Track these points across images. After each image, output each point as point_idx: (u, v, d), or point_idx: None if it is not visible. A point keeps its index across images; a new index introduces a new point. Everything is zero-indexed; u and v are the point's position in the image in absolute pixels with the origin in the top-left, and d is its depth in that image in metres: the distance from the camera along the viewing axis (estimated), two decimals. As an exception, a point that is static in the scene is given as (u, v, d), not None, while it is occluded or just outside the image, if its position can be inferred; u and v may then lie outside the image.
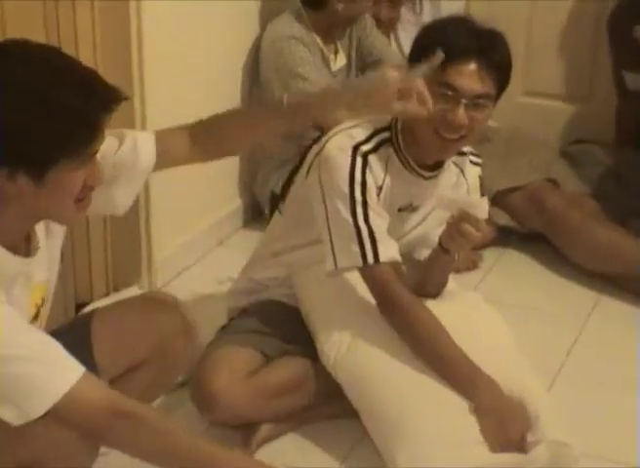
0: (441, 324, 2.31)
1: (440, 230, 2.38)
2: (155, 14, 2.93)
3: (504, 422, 2.24)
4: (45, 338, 1.77)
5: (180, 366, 2.23)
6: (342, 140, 2.33)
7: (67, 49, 2.65)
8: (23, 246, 1.84)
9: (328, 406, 2.46)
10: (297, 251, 2.50)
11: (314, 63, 3.40)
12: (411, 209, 2.44)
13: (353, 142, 2.32)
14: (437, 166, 2.41)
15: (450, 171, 2.46)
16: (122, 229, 2.99)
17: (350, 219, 2.30)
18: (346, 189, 2.29)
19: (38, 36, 2.56)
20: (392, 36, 3.85)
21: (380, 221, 2.31)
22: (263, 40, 3.43)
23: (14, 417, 1.70)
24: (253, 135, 2.14)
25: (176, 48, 3.09)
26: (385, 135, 2.35)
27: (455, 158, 2.46)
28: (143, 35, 2.90)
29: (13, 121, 1.63)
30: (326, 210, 2.33)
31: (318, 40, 3.46)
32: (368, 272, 2.33)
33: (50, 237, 1.93)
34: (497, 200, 3.41)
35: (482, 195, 2.53)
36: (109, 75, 2.77)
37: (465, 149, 2.48)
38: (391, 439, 2.26)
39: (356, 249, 2.30)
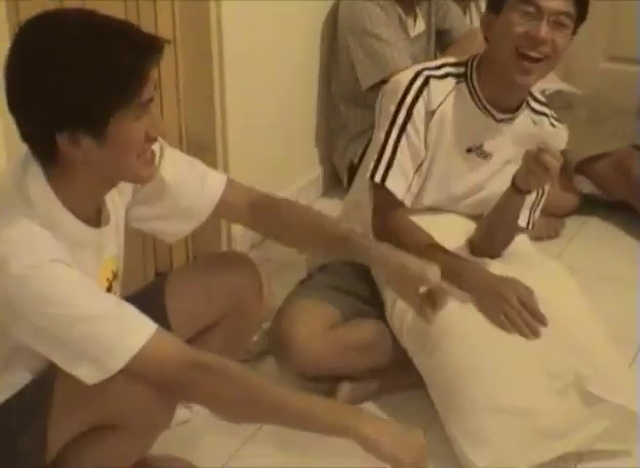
0: (424, 233, 2.36)
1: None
2: (235, 10, 2.93)
3: (498, 291, 2.25)
4: (117, 300, 1.81)
5: (253, 324, 2.23)
6: (413, 68, 2.40)
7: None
8: (94, 217, 1.86)
9: (406, 374, 2.44)
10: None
11: (392, 26, 3.37)
12: (481, 152, 2.42)
13: (420, 68, 2.37)
14: (511, 110, 2.39)
15: (527, 123, 2.43)
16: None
17: (382, 137, 2.36)
18: (392, 109, 2.35)
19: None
20: (473, 2, 3.79)
21: (407, 154, 2.35)
22: (341, 3, 3.42)
23: (90, 376, 1.72)
24: (309, 243, 2.14)
25: (255, 42, 3.09)
26: (459, 69, 2.38)
27: (533, 116, 2.45)
28: (224, 32, 2.90)
29: (62, 86, 1.65)
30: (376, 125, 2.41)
31: (396, 5, 3.42)
32: (375, 192, 2.40)
33: (115, 209, 1.95)
34: (581, 168, 3.37)
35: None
36: (190, 72, 2.86)
37: (547, 111, 2.47)
38: (447, 406, 2.26)
39: (372, 164, 2.37)
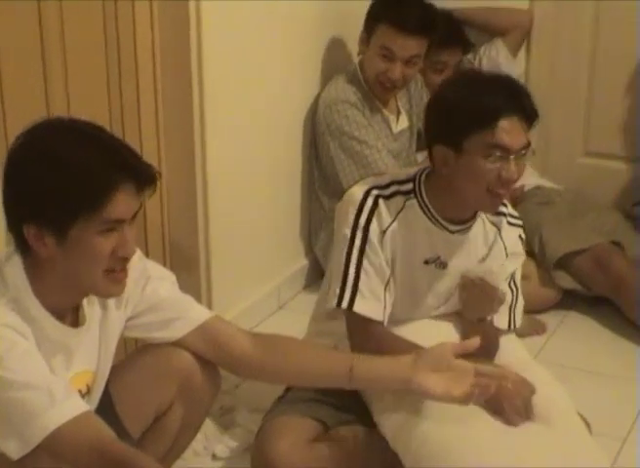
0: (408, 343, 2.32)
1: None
2: (215, 14, 2.90)
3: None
4: (56, 378, 1.80)
5: (205, 399, 2.19)
6: (362, 185, 2.39)
7: (125, 50, 2.66)
8: (68, 316, 1.89)
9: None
10: (337, 319, 2.46)
11: (372, 126, 3.41)
12: (440, 263, 2.41)
13: (369, 186, 2.36)
14: (465, 221, 2.40)
15: (484, 228, 2.44)
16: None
17: (343, 261, 2.34)
18: (348, 232, 2.33)
19: (97, 37, 2.58)
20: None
21: (373, 274, 2.33)
22: (320, 102, 3.45)
23: (14, 449, 1.72)
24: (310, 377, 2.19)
25: (235, 51, 3.05)
26: (406, 186, 2.36)
27: (492, 217, 2.45)
28: (203, 35, 2.87)
29: (34, 179, 1.72)
30: (334, 249, 2.40)
31: (377, 102, 3.47)
32: (347, 315, 2.36)
33: (105, 323, 1.97)
34: (561, 263, 3.39)
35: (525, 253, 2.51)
36: (167, 75, 2.82)
37: (504, 210, 2.48)
38: None
39: (337, 290, 2.34)
